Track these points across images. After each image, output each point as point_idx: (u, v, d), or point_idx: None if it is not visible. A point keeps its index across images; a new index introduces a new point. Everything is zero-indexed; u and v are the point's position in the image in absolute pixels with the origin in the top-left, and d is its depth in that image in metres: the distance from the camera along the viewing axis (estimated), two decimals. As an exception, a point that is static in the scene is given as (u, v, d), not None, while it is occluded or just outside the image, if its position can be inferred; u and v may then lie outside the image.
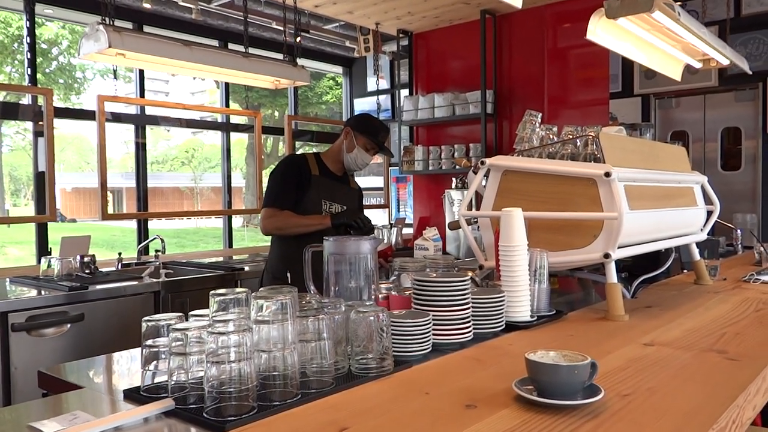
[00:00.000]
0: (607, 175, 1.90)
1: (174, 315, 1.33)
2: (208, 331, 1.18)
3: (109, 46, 3.18)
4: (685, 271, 2.86)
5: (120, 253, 3.68)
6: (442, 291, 1.59)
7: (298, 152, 4.73)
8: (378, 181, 6.10)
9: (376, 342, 1.41)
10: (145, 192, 4.98)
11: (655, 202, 2.19)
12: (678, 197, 2.38)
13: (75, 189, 17.55)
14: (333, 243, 1.68)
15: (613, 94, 5.48)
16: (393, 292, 1.73)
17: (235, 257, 4.57)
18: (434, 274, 1.71)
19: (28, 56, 4.27)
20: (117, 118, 4.99)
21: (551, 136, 2.15)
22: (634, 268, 2.48)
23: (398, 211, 6.28)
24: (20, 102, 4.22)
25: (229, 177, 5.46)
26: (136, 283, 3.16)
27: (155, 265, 3.61)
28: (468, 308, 1.63)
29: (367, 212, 6.23)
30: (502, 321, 1.74)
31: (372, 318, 1.41)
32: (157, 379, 1.29)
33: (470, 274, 1.98)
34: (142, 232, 4.97)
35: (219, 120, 5.62)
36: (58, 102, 11.36)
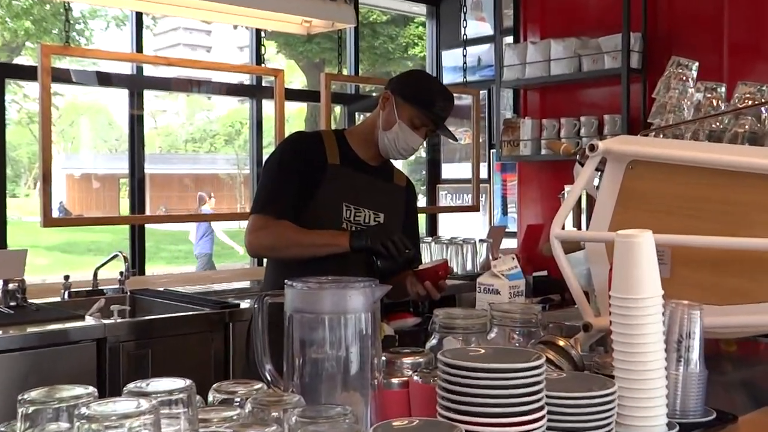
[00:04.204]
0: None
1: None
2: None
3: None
4: None
5: (67, 277, 3.48)
6: (485, 388, 1.24)
7: (327, 128, 4.42)
8: (470, 169, 5.70)
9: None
10: (141, 183, 4.85)
11: None
12: None
13: (85, 175, 18.21)
14: (298, 292, 1.39)
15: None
16: (416, 377, 1.46)
17: (261, 279, 4.34)
18: (481, 350, 1.39)
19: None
20: (105, 79, 4.87)
21: (716, 102, 1.80)
22: None
23: (504, 214, 5.89)
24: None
25: (258, 161, 5.25)
26: (73, 325, 2.97)
27: (115, 295, 3.45)
28: (540, 420, 1.27)
29: (451, 218, 5.68)
30: (609, 437, 1.39)
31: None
32: None
33: (561, 343, 1.65)
34: (136, 239, 4.82)
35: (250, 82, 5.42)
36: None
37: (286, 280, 1.43)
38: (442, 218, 6.20)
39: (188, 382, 1.13)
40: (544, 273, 4.52)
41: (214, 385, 1.30)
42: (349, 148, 2.61)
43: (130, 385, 1.12)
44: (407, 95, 2.54)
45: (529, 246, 4.91)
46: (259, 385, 1.33)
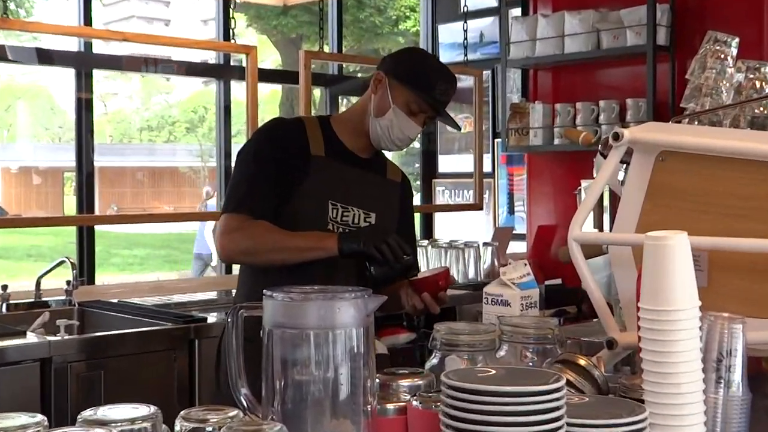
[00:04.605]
0: None
1: None
2: None
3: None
4: None
5: (5, 287, 3.50)
6: (497, 414, 1.24)
7: (308, 114, 4.42)
8: (471, 162, 5.71)
9: None
10: (90, 177, 4.85)
11: None
12: None
13: (23, 169, 18.14)
14: (279, 303, 1.39)
15: None
16: (415, 402, 1.47)
17: (230, 290, 4.35)
18: (491, 371, 1.39)
19: None
20: (48, 57, 4.88)
21: (759, 84, 1.82)
22: None
23: (510, 213, 5.91)
24: None
25: (227, 152, 5.25)
26: (13, 342, 2.97)
27: (61, 307, 3.49)
28: (558, 451, 1.28)
29: (449, 218, 5.63)
30: (638, 469, 1.40)
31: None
32: None
33: (582, 362, 1.67)
34: (85, 243, 4.82)
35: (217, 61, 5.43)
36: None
37: (264, 290, 1.42)
38: (439, 218, 6.20)
39: (153, 408, 1.13)
40: (558, 281, 4.53)
41: (182, 413, 1.29)
42: (335, 138, 2.62)
43: (86, 413, 1.12)
44: (403, 76, 2.54)
45: (540, 250, 4.92)
46: (234, 412, 1.32)
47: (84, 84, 4.69)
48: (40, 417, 1.07)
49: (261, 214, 2.47)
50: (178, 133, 19.81)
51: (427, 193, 6.21)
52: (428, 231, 6.10)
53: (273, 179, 2.50)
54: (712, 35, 1.86)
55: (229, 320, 1.53)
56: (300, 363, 1.37)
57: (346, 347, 1.37)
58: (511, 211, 5.92)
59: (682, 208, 1.78)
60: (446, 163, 6.28)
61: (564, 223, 4.89)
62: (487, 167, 5.62)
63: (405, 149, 2.87)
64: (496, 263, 4.63)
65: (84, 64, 4.71)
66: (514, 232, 5.30)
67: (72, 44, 4.80)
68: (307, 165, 2.53)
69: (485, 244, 4.74)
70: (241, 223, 2.47)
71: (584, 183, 4.30)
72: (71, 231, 4.77)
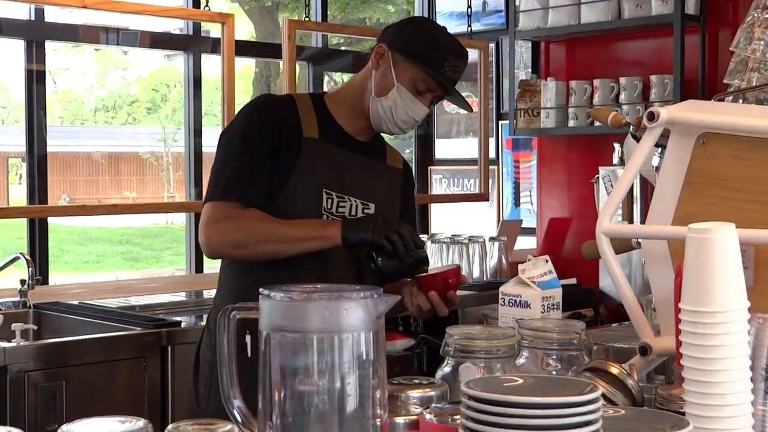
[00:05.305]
0: None
1: None
2: None
3: None
4: None
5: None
6: (528, 429, 1.24)
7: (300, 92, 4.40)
8: (473, 147, 5.71)
9: None
10: (42, 163, 4.84)
11: None
12: None
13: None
14: (278, 304, 1.38)
15: None
16: (428, 415, 1.47)
17: (201, 290, 4.45)
18: (518, 379, 1.40)
19: None
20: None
21: None
22: None
23: (516, 204, 5.93)
24: None
25: (196, 133, 5.22)
26: None
27: (15, 310, 3.52)
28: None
29: (444, 210, 5.63)
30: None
31: None
32: None
33: (614, 370, 1.69)
34: (37, 237, 4.82)
35: (184, 31, 5.39)
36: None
37: (261, 289, 1.42)
38: (434, 210, 6.20)
39: (142, 422, 1.13)
40: (572, 281, 4.55)
41: (170, 427, 1.29)
42: (330, 119, 2.62)
43: (67, 428, 1.11)
44: (409, 50, 2.55)
45: (552, 246, 4.94)
46: (227, 427, 1.32)
47: (36, 57, 4.66)
48: (16, 430, 1.07)
49: (251, 202, 2.48)
50: (138, 114, 19.65)
51: (423, 182, 6.19)
52: (424, 224, 6.09)
53: (266, 163, 2.50)
54: (761, 1, 1.85)
55: (220, 323, 1.53)
56: (302, 371, 1.37)
57: (353, 353, 1.37)
58: (516, 202, 5.93)
59: (726, 197, 1.78)
60: (444, 148, 6.28)
61: (579, 215, 4.94)
62: (489, 153, 5.62)
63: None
64: (503, 261, 4.65)
65: (36, 34, 4.68)
66: (521, 226, 5.32)
67: (22, 12, 4.77)
68: (299, 148, 2.53)
69: (492, 239, 4.74)
70: (229, 212, 2.48)
71: (603, 170, 4.32)
72: (18, 225, 4.74)
